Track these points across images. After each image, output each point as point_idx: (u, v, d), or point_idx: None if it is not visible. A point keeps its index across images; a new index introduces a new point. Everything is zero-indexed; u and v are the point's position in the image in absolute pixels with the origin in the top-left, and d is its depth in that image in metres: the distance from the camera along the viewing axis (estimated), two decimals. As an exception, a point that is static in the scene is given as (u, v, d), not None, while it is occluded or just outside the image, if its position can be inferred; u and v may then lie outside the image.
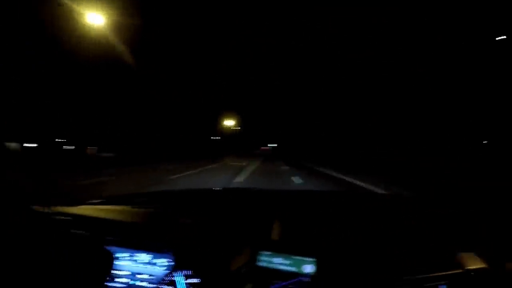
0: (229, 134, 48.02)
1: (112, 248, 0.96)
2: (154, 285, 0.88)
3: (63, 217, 1.07)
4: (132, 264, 0.93)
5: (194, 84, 32.04)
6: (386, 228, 1.00)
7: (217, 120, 42.48)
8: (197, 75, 32.80)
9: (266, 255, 0.80)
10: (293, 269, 0.78)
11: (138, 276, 0.91)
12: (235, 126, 49.03)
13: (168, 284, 0.86)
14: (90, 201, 1.28)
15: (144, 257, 0.92)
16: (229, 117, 44.61)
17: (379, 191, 7.78)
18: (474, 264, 0.75)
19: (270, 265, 0.79)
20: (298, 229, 0.98)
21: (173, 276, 0.86)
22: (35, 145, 17.74)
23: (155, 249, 0.91)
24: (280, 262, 0.79)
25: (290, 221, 1.03)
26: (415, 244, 0.86)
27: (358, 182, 8.48)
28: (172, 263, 0.88)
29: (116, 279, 0.91)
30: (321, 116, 41.71)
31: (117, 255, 0.95)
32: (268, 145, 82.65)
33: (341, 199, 1.70)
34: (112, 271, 0.93)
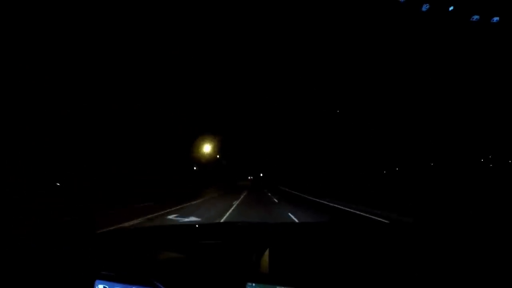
0: (208, 163, 43.23)
1: (106, 283, 1.08)
2: None
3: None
4: None
5: (167, 103, 28.07)
6: (372, 260, 1.12)
7: (194, 146, 36.75)
8: (174, 92, 29.54)
9: (253, 286, 0.95)
10: None
11: None
12: (214, 154, 44.53)
13: None
14: (82, 236, 1.40)
15: None
16: (208, 143, 38.60)
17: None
18: None
19: None
20: (284, 261, 1.13)
21: None
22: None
23: (149, 284, 1.03)
24: None
25: (276, 254, 1.17)
26: (403, 277, 0.96)
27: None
28: None
29: None
30: (307, 147, 43.48)
31: None
32: (249, 177, 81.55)
33: (328, 231, 1.86)
34: None
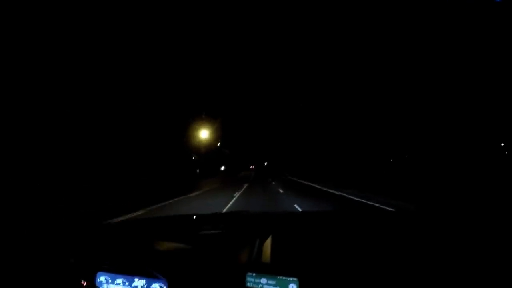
0: (208, 152, 39.37)
1: (107, 274, 1.14)
2: None
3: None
4: None
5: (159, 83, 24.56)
6: (375, 251, 1.14)
7: (191, 134, 31.92)
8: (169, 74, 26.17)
9: (253, 276, 1.01)
10: None
11: None
12: (215, 142, 41.73)
13: None
14: (86, 227, 1.47)
15: (138, 282, 1.11)
16: (206, 129, 34.05)
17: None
18: None
19: (258, 286, 1.00)
20: (286, 250, 1.17)
21: None
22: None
23: (149, 275, 1.10)
24: (266, 282, 1.00)
25: (278, 243, 1.22)
26: (407, 270, 0.98)
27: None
28: None
29: None
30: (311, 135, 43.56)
31: (113, 280, 1.14)
32: (251, 166, 79.85)
33: (329, 220, 1.92)
34: None
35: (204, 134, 33.86)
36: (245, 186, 20.52)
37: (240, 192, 14.93)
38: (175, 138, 29.65)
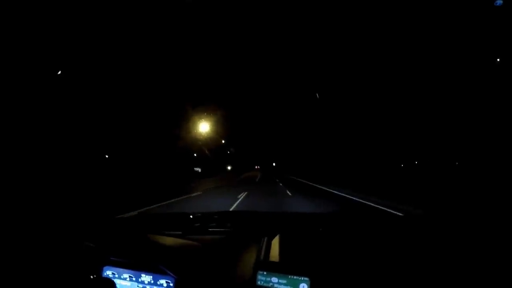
0: (211, 150, 34.90)
1: (114, 269, 1.17)
2: None
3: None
4: (134, 284, 1.15)
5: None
6: (381, 251, 1.17)
7: (189, 126, 26.95)
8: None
9: (264, 275, 1.03)
10: (288, 287, 1.00)
11: None
12: (219, 138, 37.56)
13: None
14: (95, 222, 1.52)
15: (145, 278, 1.13)
16: (207, 122, 27.46)
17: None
18: None
19: (268, 284, 1.01)
20: (294, 250, 1.19)
21: None
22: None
23: (157, 271, 1.12)
24: (276, 281, 1.01)
25: (287, 243, 1.24)
26: (412, 270, 1.00)
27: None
28: (172, 285, 1.09)
29: None
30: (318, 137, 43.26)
31: (120, 275, 1.17)
32: (256, 166, 77.26)
33: (338, 221, 1.94)
34: None
35: (204, 127, 28.25)
36: (243, 195, 13.58)
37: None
38: (173, 133, 26.85)
